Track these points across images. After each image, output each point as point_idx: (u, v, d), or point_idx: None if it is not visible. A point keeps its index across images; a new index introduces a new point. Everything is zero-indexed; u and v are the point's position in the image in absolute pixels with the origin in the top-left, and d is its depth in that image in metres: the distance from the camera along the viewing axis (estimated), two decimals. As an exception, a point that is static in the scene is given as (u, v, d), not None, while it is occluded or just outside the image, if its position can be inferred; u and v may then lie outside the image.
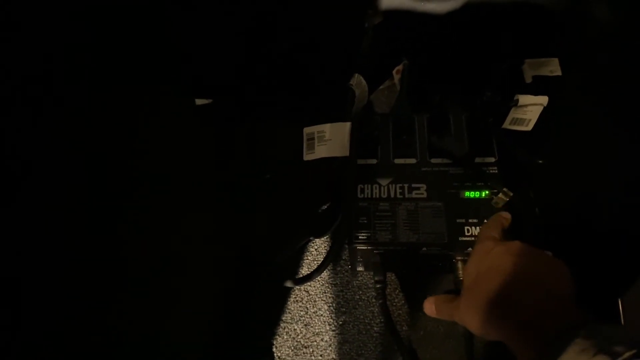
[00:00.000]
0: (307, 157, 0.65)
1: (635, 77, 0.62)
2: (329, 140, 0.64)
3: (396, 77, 0.70)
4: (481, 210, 0.62)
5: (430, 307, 0.53)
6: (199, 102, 0.72)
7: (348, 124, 0.64)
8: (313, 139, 0.65)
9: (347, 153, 0.64)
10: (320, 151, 0.64)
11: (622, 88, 0.63)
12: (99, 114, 0.51)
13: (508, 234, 0.53)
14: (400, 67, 0.70)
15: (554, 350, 0.37)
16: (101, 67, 0.51)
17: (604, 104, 0.65)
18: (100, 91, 0.51)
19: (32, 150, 0.44)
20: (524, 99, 0.64)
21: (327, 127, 0.65)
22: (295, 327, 0.65)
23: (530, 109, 0.65)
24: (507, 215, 0.55)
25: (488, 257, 0.47)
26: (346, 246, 0.68)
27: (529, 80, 0.69)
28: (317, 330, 0.65)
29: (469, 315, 0.46)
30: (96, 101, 0.50)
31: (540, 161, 0.65)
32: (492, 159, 0.65)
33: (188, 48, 0.65)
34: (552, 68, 0.67)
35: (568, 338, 0.36)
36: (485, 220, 0.60)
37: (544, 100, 0.64)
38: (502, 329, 0.44)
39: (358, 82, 0.67)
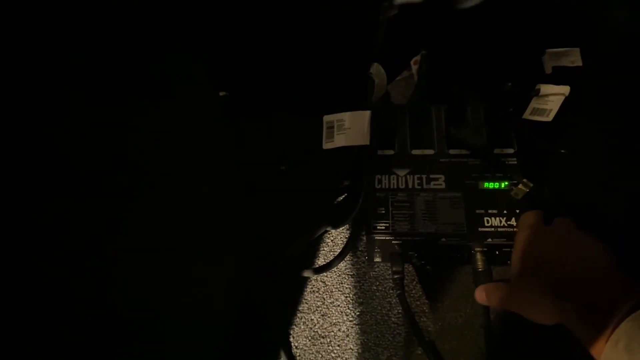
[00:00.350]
0: (326, 145, 0.65)
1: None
2: (348, 129, 0.64)
3: (414, 68, 0.70)
4: (500, 201, 0.61)
5: (481, 294, 0.54)
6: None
7: (368, 113, 0.64)
8: (332, 127, 0.65)
9: (366, 142, 0.64)
10: (340, 140, 0.64)
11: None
12: (119, 101, 0.51)
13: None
14: (418, 57, 0.70)
15: (618, 326, 0.37)
16: (126, 54, 0.52)
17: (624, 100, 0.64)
18: (121, 78, 0.51)
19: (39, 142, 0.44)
20: (545, 88, 0.63)
21: (346, 116, 0.64)
22: (312, 318, 0.65)
23: (551, 99, 0.64)
24: (541, 212, 0.56)
25: (533, 243, 0.48)
26: (363, 237, 0.68)
27: (548, 71, 0.69)
28: (334, 321, 0.65)
29: (523, 302, 0.47)
30: (117, 87, 0.50)
31: (563, 151, 0.64)
32: (511, 150, 0.64)
33: (206, 38, 0.65)
34: (573, 58, 0.66)
35: (632, 313, 0.37)
36: (505, 211, 0.60)
37: (565, 90, 0.63)
38: (559, 311, 0.44)
39: (377, 71, 0.67)
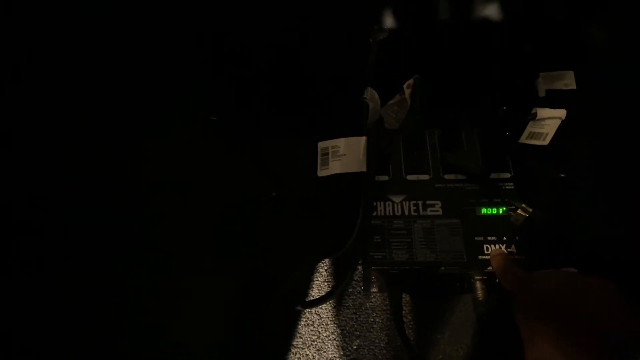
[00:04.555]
0: (321, 172, 0.63)
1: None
2: (344, 155, 0.62)
3: (407, 92, 0.69)
4: (499, 227, 0.60)
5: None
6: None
7: (363, 139, 0.62)
8: (327, 154, 0.63)
9: (362, 168, 0.62)
10: (335, 167, 0.62)
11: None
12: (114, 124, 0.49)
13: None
14: (411, 81, 0.68)
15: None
16: (122, 77, 0.51)
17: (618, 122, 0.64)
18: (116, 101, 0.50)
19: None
20: (542, 112, 0.62)
21: (341, 142, 0.63)
22: (307, 353, 0.62)
23: (547, 123, 0.63)
24: (497, 252, 0.56)
25: (533, 310, 0.45)
26: (359, 267, 0.66)
27: (542, 94, 0.68)
28: (330, 356, 0.62)
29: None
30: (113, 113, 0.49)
31: (562, 175, 0.63)
32: (508, 175, 0.63)
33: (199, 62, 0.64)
34: (567, 81, 0.66)
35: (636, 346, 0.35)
36: (505, 238, 0.58)
37: (562, 113, 0.62)
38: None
39: (371, 95, 0.65)
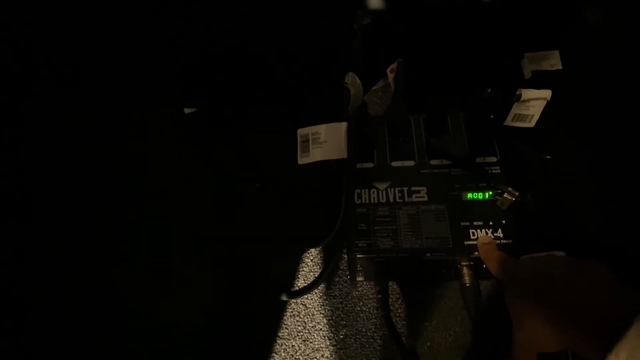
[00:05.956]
0: (302, 160, 0.61)
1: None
2: (324, 142, 0.61)
3: (390, 77, 0.67)
4: (486, 212, 0.59)
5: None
6: (186, 110, 0.69)
7: (344, 125, 0.61)
8: (307, 141, 0.62)
9: (344, 155, 0.61)
10: (316, 154, 0.60)
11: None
12: (89, 120, 0.48)
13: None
14: (394, 65, 0.67)
15: (616, 337, 0.35)
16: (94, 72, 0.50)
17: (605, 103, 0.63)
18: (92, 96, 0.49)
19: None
20: (526, 93, 0.61)
21: (322, 128, 0.61)
22: (294, 344, 0.61)
23: (533, 104, 0.62)
24: (484, 241, 0.56)
25: (523, 287, 0.46)
26: (344, 255, 0.65)
27: (528, 75, 0.67)
28: (316, 346, 0.61)
29: (532, 338, 0.44)
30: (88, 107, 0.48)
31: (548, 157, 0.62)
32: (494, 159, 0.62)
33: (175, 52, 0.63)
34: (553, 62, 0.65)
35: (628, 324, 0.35)
36: (491, 223, 0.57)
37: (547, 94, 0.61)
38: (567, 340, 0.41)
39: (352, 80, 0.64)
